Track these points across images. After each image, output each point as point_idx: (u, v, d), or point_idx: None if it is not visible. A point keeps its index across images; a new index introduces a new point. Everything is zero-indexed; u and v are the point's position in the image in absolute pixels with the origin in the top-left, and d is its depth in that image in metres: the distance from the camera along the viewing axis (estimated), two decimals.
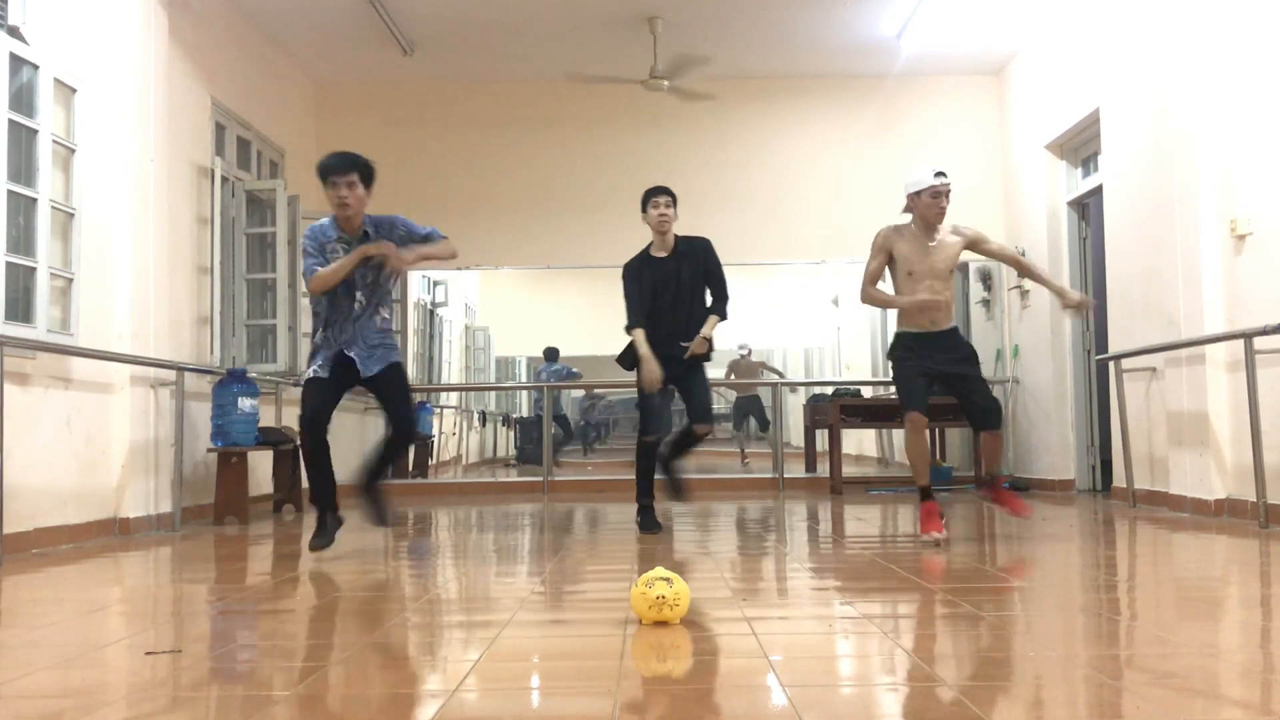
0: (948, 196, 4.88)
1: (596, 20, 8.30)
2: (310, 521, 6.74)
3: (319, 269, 4.62)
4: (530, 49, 8.90)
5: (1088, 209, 8.42)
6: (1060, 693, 2.15)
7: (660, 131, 9.62)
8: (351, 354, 4.67)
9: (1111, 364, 7.05)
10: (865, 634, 2.78)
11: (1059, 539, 5.04)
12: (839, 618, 3.03)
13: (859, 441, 13.48)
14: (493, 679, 2.35)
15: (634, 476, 5.75)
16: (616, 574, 4.05)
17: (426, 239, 4.76)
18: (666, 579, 2.87)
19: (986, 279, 9.75)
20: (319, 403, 4.66)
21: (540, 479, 9.53)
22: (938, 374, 4.92)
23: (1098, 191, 7.87)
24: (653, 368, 5.48)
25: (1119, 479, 7.19)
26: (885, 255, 4.97)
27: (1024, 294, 9.00)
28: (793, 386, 12.77)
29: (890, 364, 5.10)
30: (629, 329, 5.62)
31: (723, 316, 5.66)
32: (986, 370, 9.46)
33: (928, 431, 5.23)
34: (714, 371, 5.80)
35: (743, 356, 13.34)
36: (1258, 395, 5.44)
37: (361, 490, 4.89)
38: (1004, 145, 9.44)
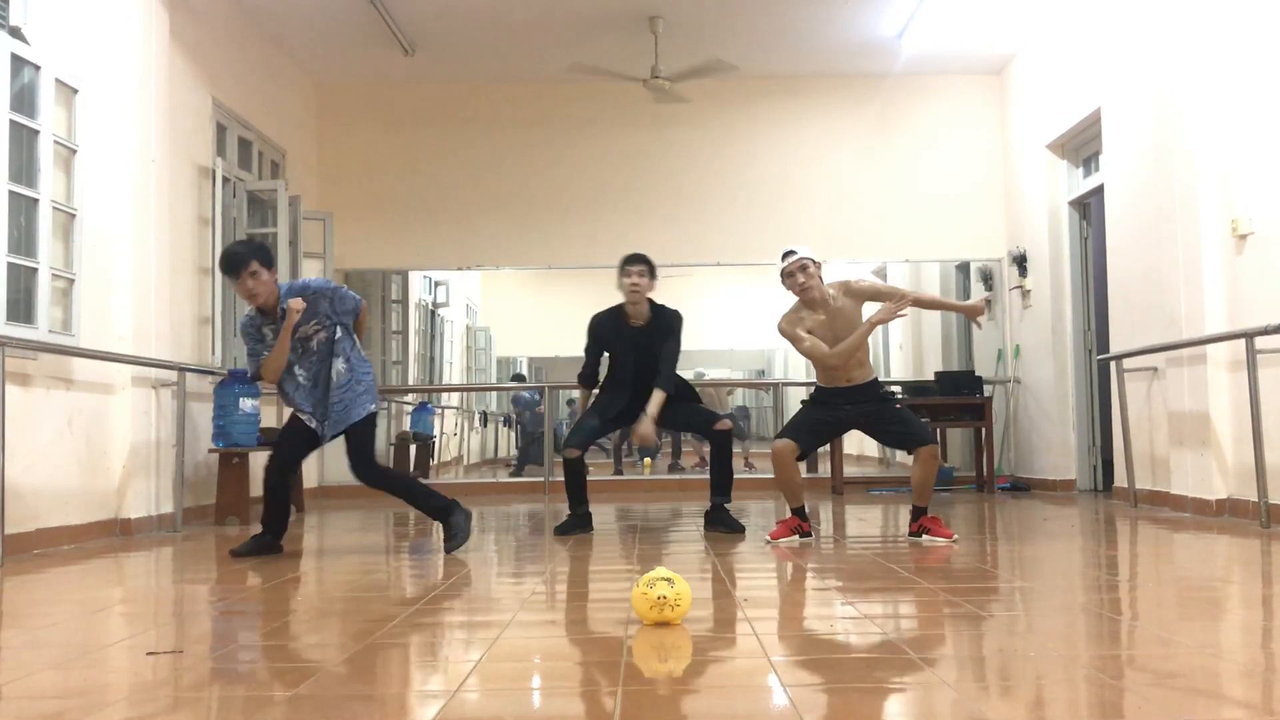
0: (803, 272, 4.89)
1: (598, 20, 8.30)
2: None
3: (264, 355, 4.71)
4: (531, 49, 8.90)
5: (1089, 209, 8.42)
6: (1062, 693, 2.15)
7: (661, 132, 9.62)
8: (322, 427, 4.81)
9: (1113, 364, 7.04)
10: (866, 634, 2.78)
11: (1060, 538, 5.03)
12: (840, 618, 3.03)
13: (860, 442, 13.49)
14: (494, 679, 2.35)
15: (566, 488, 5.64)
16: (618, 574, 4.05)
17: (343, 306, 4.78)
18: (668, 579, 2.87)
19: (988, 279, 9.75)
20: (289, 457, 4.89)
21: (541, 479, 9.53)
22: (850, 421, 5.01)
23: (1099, 191, 7.86)
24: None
25: (1120, 479, 7.18)
26: (806, 332, 4.95)
27: (1025, 294, 9.00)
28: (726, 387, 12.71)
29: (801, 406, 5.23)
30: (580, 380, 5.73)
31: (667, 390, 5.48)
32: (988, 370, 9.49)
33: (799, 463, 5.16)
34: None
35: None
36: (1259, 395, 5.43)
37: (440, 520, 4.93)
38: (1005, 145, 9.44)
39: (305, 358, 4.76)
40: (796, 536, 4.98)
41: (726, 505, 5.57)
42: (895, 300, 4.86)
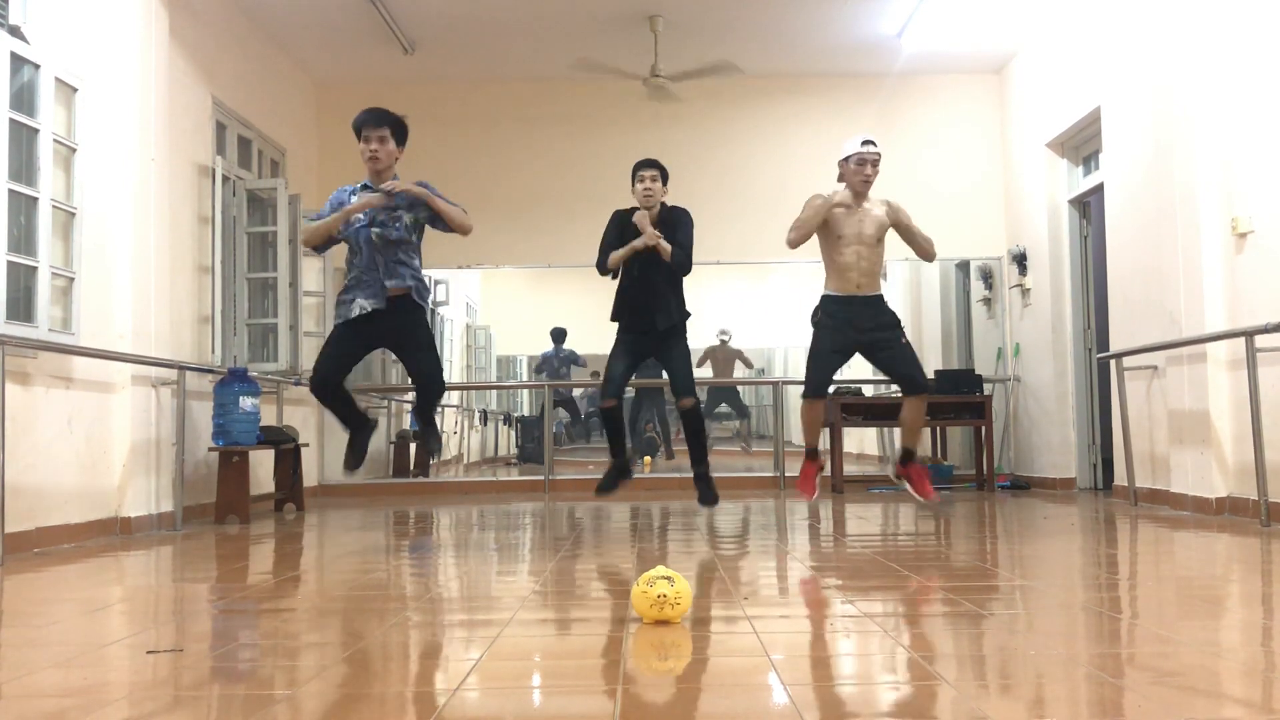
0: (874, 166, 5.07)
1: (597, 19, 8.30)
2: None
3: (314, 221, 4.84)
4: (531, 48, 8.90)
5: (1089, 207, 8.42)
6: (1062, 691, 2.15)
7: (661, 130, 9.62)
8: (388, 283, 4.82)
9: (1112, 362, 7.04)
10: (866, 633, 2.78)
11: (1060, 537, 5.04)
12: (840, 616, 3.03)
13: (860, 440, 13.50)
14: (494, 678, 2.35)
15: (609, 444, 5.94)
16: (618, 573, 4.05)
17: (437, 191, 4.94)
18: (668, 578, 2.87)
19: (988, 277, 9.75)
20: (330, 369, 4.83)
21: (541, 478, 9.53)
22: (856, 343, 5.08)
23: (1099, 190, 7.86)
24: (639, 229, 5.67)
25: (1120, 477, 7.18)
26: (818, 219, 5.22)
27: (1025, 292, 9.00)
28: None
29: (812, 328, 5.32)
30: (599, 267, 5.80)
31: (679, 261, 5.59)
32: (987, 368, 9.49)
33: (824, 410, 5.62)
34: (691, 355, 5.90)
35: (722, 343, 13.22)
36: (1259, 393, 5.43)
37: (421, 428, 5.14)
38: (1005, 143, 9.44)
39: (385, 222, 4.82)
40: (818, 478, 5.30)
41: (709, 475, 5.76)
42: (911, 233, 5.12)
